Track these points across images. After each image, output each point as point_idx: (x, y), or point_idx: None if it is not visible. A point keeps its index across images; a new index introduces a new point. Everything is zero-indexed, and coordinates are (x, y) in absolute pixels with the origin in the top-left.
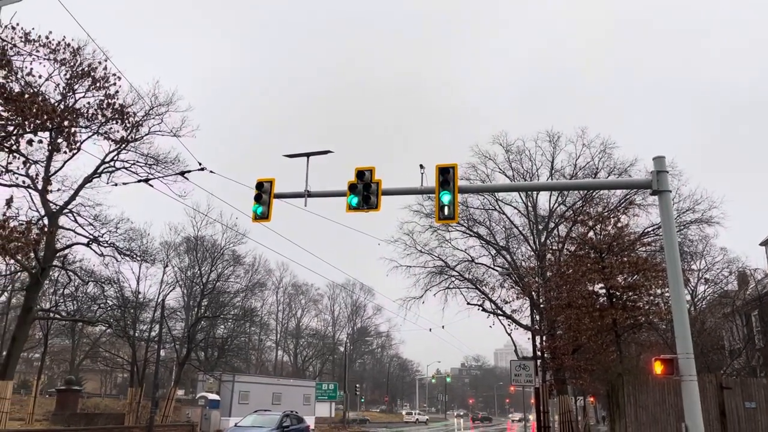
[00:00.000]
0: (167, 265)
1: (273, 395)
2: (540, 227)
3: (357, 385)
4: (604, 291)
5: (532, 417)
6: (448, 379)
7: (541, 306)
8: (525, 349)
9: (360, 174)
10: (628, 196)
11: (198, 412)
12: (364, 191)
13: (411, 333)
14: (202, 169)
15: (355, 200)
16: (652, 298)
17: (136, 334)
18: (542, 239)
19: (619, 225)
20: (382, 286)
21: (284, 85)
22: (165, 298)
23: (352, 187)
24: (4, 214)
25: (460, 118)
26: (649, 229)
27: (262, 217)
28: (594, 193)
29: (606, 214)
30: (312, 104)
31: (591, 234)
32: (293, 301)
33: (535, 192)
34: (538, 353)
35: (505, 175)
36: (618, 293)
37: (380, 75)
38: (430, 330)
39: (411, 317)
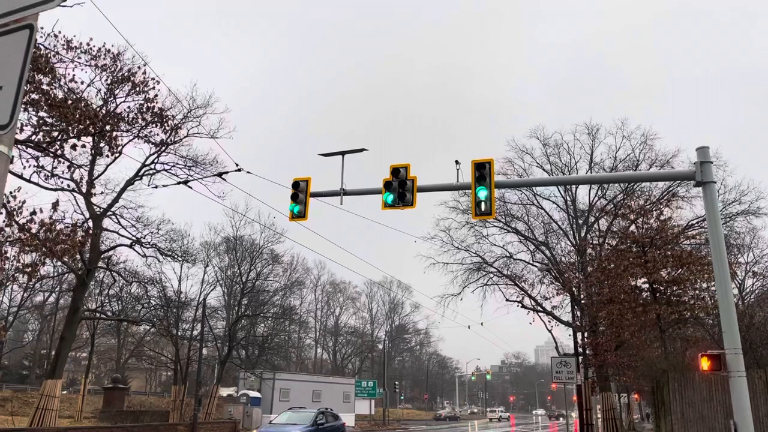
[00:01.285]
0: (208, 265)
1: (313, 393)
2: (580, 222)
3: (396, 383)
4: (647, 286)
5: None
6: (489, 377)
7: (582, 302)
8: (566, 346)
9: (395, 171)
10: (670, 189)
11: (240, 409)
12: (400, 188)
13: (449, 330)
14: (240, 170)
15: (390, 198)
16: (697, 292)
17: (179, 333)
18: (582, 234)
19: (662, 218)
20: (420, 284)
21: (318, 84)
22: (206, 298)
23: (388, 185)
24: (51, 217)
25: (496, 113)
26: (694, 222)
27: (299, 216)
28: (635, 186)
29: (648, 207)
30: (346, 102)
31: (633, 228)
32: (331, 299)
33: (574, 186)
34: (580, 350)
35: (543, 169)
36: (662, 288)
37: (415, 71)
38: (469, 327)
39: (449, 314)
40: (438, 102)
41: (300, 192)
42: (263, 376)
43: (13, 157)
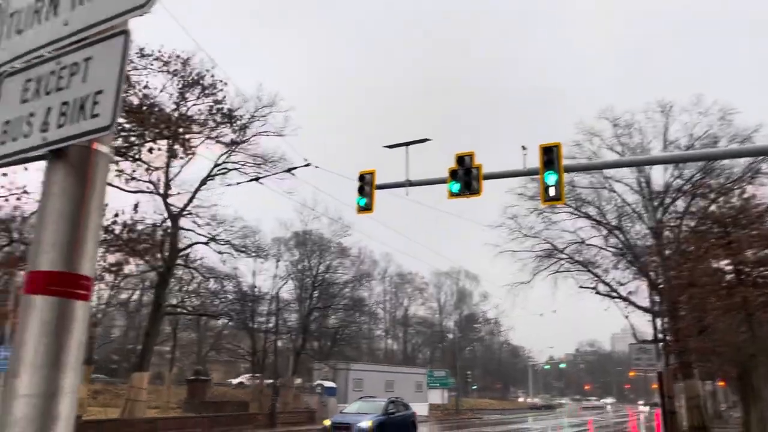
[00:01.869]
0: (279, 260)
1: (386, 383)
2: (655, 203)
3: (468, 372)
4: (730, 268)
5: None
6: (563, 365)
7: (661, 286)
8: (644, 333)
9: (460, 160)
10: (753, 165)
11: (316, 399)
12: (465, 177)
13: (520, 319)
14: (308, 165)
15: (456, 186)
16: None
17: (255, 326)
18: (658, 216)
19: (745, 196)
20: (488, 272)
21: (377, 77)
22: (279, 291)
23: (453, 174)
24: (132, 219)
25: (561, 96)
26: None
27: (366, 208)
28: (714, 164)
29: (729, 185)
30: (407, 94)
31: (713, 207)
32: (399, 290)
33: (647, 167)
34: (660, 336)
35: (613, 151)
36: (747, 269)
37: (477, 57)
38: (542, 315)
39: (519, 303)
40: (502, 87)
41: (366, 185)
42: (337, 367)
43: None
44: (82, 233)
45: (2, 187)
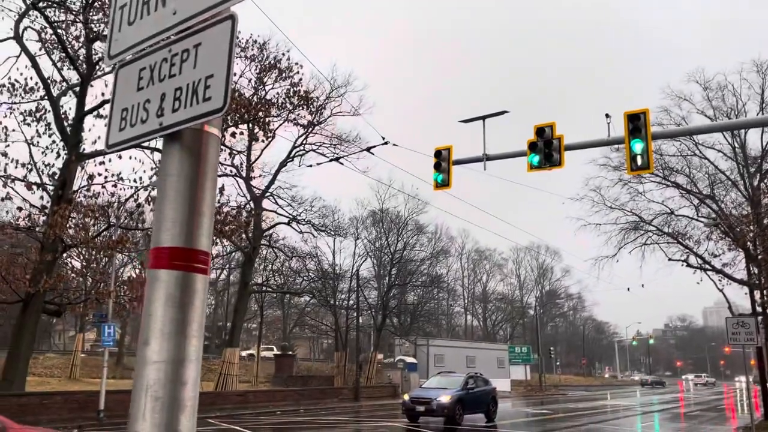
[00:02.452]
0: (358, 238)
1: (467, 358)
2: (752, 170)
3: (551, 348)
4: None
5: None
6: (652, 341)
7: (760, 257)
8: (740, 306)
9: (540, 131)
10: None
11: (398, 374)
12: (546, 149)
13: (605, 294)
14: (386, 143)
15: (536, 159)
16: None
17: (336, 303)
18: (755, 183)
19: None
20: (570, 247)
21: (452, 51)
22: (359, 269)
23: (533, 146)
24: (218, 202)
25: (646, 59)
26: None
27: (443, 184)
28: None
29: None
30: (483, 66)
31: None
32: (477, 267)
33: (743, 131)
34: (759, 309)
35: (705, 115)
36: None
37: (556, 18)
38: (628, 289)
39: (604, 277)
40: (582, 53)
41: (443, 161)
42: (417, 343)
43: None
44: (198, 210)
45: (99, 174)
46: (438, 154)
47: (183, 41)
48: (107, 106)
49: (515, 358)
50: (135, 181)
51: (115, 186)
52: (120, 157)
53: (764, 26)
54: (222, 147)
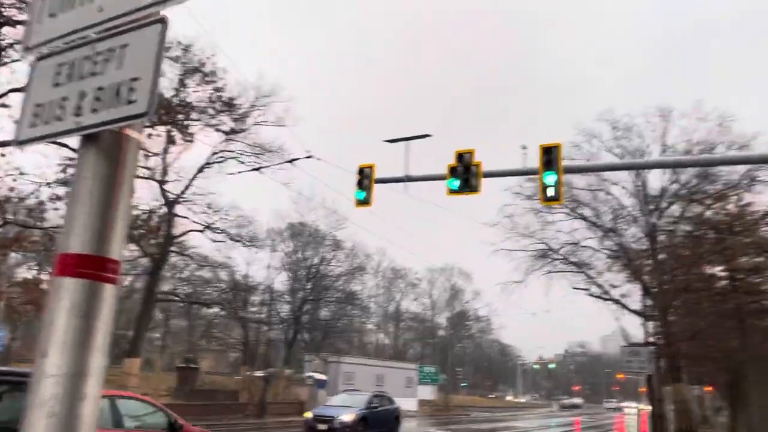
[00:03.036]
0: (274, 250)
1: (376, 377)
2: (651, 207)
3: (458, 369)
4: (725, 274)
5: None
6: (552, 366)
7: (654, 290)
8: (635, 336)
9: (460, 157)
10: (750, 172)
11: (306, 391)
12: (465, 174)
13: (512, 318)
14: (310, 157)
15: (455, 183)
16: None
17: (247, 316)
18: (654, 220)
19: (742, 203)
20: (482, 270)
21: (379, 71)
22: (273, 282)
23: (453, 170)
24: None
25: (562, 96)
26: None
27: (364, 202)
28: (711, 170)
29: (726, 191)
30: (407, 89)
31: (709, 213)
32: (392, 285)
33: (645, 171)
34: (650, 339)
35: (612, 153)
36: (741, 276)
37: (482, 52)
38: (534, 314)
39: (512, 302)
40: (504, 86)
41: (365, 178)
42: (328, 359)
43: None
44: (112, 217)
45: None
46: (361, 171)
47: (108, 40)
48: (13, 96)
49: (424, 378)
50: (39, 176)
51: (15, 180)
52: (22, 150)
53: (672, 74)
54: None
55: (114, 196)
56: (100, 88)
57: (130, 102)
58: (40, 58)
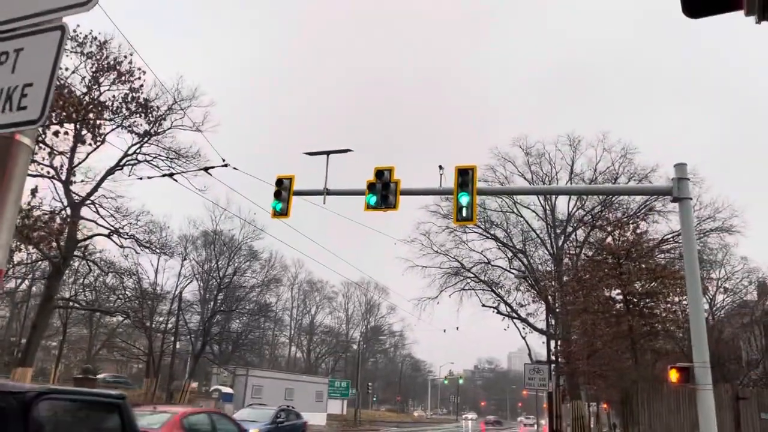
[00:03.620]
0: (185, 258)
1: (286, 391)
2: (558, 231)
3: (369, 384)
4: (621, 297)
5: (544, 422)
6: (461, 381)
7: (557, 310)
8: (539, 354)
9: (379, 173)
10: (648, 203)
11: (212, 404)
12: (383, 190)
13: (425, 333)
14: (226, 165)
15: (373, 199)
16: (669, 305)
17: (153, 326)
18: (560, 243)
19: (638, 231)
20: (397, 286)
21: (302, 83)
22: (182, 291)
23: (371, 187)
24: (29, 204)
25: (480, 120)
26: (669, 236)
27: (282, 213)
28: (614, 199)
29: (625, 219)
30: (331, 102)
31: (609, 239)
32: (308, 298)
33: (553, 196)
34: (552, 357)
35: (524, 178)
36: (635, 300)
37: (402, 74)
38: (444, 331)
39: (425, 317)
40: (423, 106)
41: (283, 190)
42: (236, 373)
43: None
44: None
45: None
46: (279, 182)
47: (2, 43)
48: None
49: (334, 393)
50: None
51: None
52: None
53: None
54: (41, 145)
55: None
56: None
57: (21, 108)
58: None
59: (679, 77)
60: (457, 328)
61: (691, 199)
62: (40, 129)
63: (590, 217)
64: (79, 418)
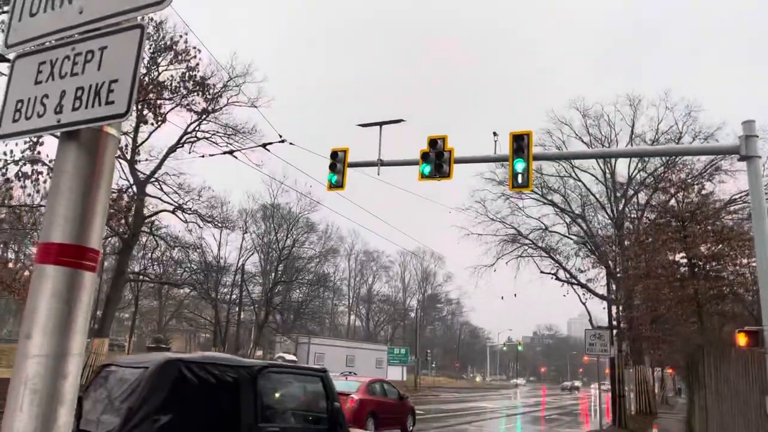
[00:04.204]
0: (246, 232)
1: (347, 357)
2: (618, 195)
3: (428, 351)
4: (685, 261)
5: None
6: (520, 347)
7: (618, 275)
8: (600, 319)
9: (432, 142)
10: (713, 162)
11: None
12: (437, 160)
13: (482, 301)
14: (283, 141)
15: (427, 169)
16: (737, 268)
17: (218, 297)
18: (620, 207)
19: (704, 192)
20: (453, 254)
21: (354, 54)
22: (244, 263)
23: (425, 156)
24: None
25: (535, 83)
26: (737, 197)
27: (337, 185)
28: (677, 159)
29: (689, 181)
30: (383, 73)
31: (673, 202)
32: (364, 268)
33: (613, 159)
34: (614, 323)
35: (582, 141)
36: (701, 263)
37: (453, 38)
38: (502, 298)
39: (482, 285)
40: (476, 71)
41: (338, 162)
42: (299, 341)
43: None
44: (91, 209)
45: None
46: (334, 155)
47: (88, 42)
48: None
49: (393, 359)
50: (5, 153)
51: None
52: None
53: (643, 61)
54: None
55: (93, 190)
56: (80, 88)
57: (108, 102)
58: (21, 56)
59: (745, 29)
60: (515, 295)
61: (759, 157)
62: None
63: (652, 179)
64: (292, 386)
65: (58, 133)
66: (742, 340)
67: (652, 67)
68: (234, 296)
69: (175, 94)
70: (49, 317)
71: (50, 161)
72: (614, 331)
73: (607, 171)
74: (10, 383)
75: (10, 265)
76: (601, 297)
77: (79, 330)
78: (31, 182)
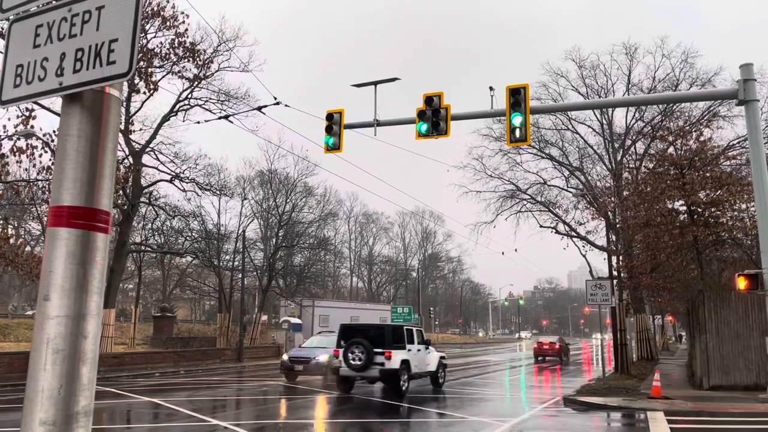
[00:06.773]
0: (245, 198)
1: (351, 318)
2: (616, 145)
3: (431, 309)
4: (684, 208)
5: (606, 337)
6: (521, 302)
7: (618, 226)
8: (600, 270)
9: (428, 100)
10: (711, 108)
11: (282, 335)
12: (433, 117)
13: (482, 257)
14: (278, 103)
15: (424, 127)
16: (736, 213)
17: (221, 264)
18: (618, 158)
19: (702, 139)
20: (452, 213)
21: (345, 12)
22: (245, 230)
23: (421, 114)
24: None
25: (529, 35)
26: (735, 142)
27: (334, 147)
28: (674, 107)
29: (687, 128)
30: (376, 31)
31: (671, 150)
32: (364, 230)
33: (610, 109)
34: (614, 273)
35: (578, 93)
36: (699, 210)
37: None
38: (503, 253)
39: (482, 242)
40: (469, 25)
41: (334, 124)
42: (303, 304)
43: None
44: (100, 171)
45: None
46: (330, 117)
47: (84, 2)
48: None
49: (397, 318)
50: None
51: None
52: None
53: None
54: None
55: (100, 151)
56: (79, 49)
57: (110, 62)
58: (16, 20)
59: None
60: (516, 250)
61: (758, 101)
62: None
63: (650, 128)
64: None
65: (60, 97)
66: (741, 283)
67: (648, 14)
68: (236, 263)
69: (166, 61)
70: (65, 279)
71: (44, 135)
72: (615, 281)
73: (604, 122)
74: (32, 344)
75: (11, 240)
76: (601, 248)
77: (95, 290)
78: (27, 157)
